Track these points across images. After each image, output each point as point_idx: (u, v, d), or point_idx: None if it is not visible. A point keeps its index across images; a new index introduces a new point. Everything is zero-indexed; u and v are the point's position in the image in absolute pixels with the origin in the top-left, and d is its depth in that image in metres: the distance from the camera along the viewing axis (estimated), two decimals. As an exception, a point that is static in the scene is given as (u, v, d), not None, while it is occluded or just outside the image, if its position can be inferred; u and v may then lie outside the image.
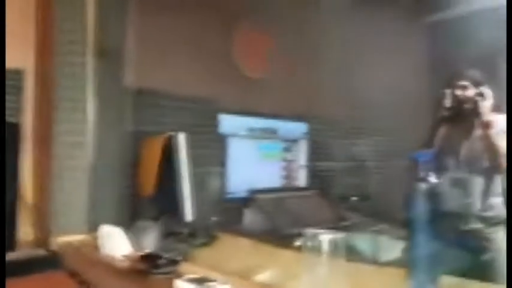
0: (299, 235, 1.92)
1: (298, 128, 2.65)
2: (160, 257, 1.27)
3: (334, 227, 2.17)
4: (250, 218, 2.06)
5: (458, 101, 2.16)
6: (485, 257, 2.09)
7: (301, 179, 2.64)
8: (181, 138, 1.37)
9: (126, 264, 1.33)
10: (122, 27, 1.90)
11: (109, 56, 1.82)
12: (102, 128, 1.77)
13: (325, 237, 0.87)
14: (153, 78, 2.02)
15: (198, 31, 2.21)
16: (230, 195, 2.16)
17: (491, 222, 2.15)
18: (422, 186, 0.93)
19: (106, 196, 1.78)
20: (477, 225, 2.15)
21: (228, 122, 2.20)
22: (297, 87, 2.65)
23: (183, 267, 1.24)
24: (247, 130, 2.31)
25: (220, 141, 2.18)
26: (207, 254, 1.37)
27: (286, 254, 1.29)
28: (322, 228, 2.13)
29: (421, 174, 0.94)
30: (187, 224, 1.49)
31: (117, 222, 1.57)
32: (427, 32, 3.57)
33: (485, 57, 3.10)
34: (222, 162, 2.15)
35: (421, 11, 3.46)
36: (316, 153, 2.71)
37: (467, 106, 2.20)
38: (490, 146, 2.15)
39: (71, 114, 1.72)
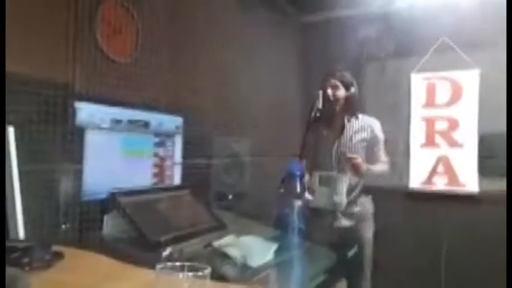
0: (168, 243, 1.74)
1: (173, 121, 2.42)
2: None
3: (206, 229, 2.04)
4: (111, 224, 1.78)
5: (329, 102, 2.22)
6: (352, 252, 2.21)
7: (176, 177, 2.43)
8: (9, 133, 1.04)
9: None
10: None
11: None
12: None
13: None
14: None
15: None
16: (88, 198, 1.84)
17: (358, 218, 2.29)
18: (299, 202, 0.84)
19: None
20: (345, 222, 2.25)
21: (86, 112, 1.86)
22: (172, 77, 2.43)
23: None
24: (111, 122, 2.00)
25: (76, 134, 1.84)
26: (45, 279, 1.08)
27: (142, 273, 1.08)
28: (194, 230, 1.98)
29: (297, 189, 0.85)
30: (20, 241, 1.17)
31: None
32: (303, 33, 3.69)
33: (353, 59, 3.34)
34: (77, 159, 1.81)
35: (297, 12, 3.56)
36: (192, 149, 2.53)
37: (337, 107, 2.29)
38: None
39: None
